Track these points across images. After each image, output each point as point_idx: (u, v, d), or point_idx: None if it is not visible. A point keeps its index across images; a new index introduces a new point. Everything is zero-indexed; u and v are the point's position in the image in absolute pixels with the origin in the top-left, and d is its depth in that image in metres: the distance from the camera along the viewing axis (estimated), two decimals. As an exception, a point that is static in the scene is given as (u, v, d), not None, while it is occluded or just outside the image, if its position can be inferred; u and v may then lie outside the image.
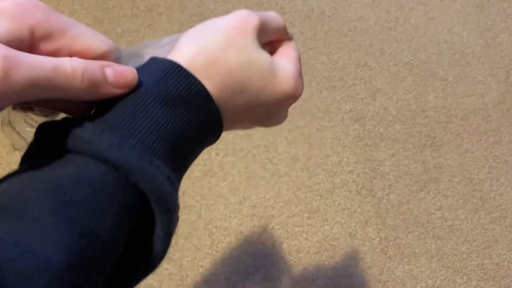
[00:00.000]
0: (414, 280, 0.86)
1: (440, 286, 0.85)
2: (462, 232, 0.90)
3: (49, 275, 0.21)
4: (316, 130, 0.99)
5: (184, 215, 0.90)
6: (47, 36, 0.27)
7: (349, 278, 0.86)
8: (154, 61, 0.29)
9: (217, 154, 0.96)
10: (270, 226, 0.89)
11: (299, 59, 0.35)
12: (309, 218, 0.90)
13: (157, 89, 0.27)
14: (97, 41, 0.28)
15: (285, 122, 1.02)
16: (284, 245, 0.88)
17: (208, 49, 0.30)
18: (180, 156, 0.29)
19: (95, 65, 0.26)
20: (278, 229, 0.89)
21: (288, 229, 0.89)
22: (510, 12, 1.14)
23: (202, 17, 1.13)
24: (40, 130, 0.26)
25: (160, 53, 0.30)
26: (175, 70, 0.28)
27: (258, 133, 0.98)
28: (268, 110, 0.34)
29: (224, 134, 0.98)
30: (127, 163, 0.24)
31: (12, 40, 0.24)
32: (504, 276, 0.86)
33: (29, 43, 0.26)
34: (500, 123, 1.01)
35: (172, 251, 0.87)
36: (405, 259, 0.87)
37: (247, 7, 1.14)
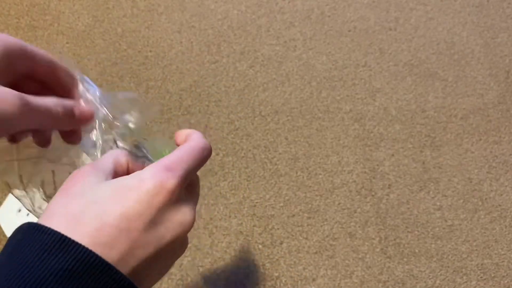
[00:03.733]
0: (414, 280, 0.86)
1: (440, 285, 0.85)
2: (462, 232, 0.90)
3: None
4: (316, 130, 0.99)
5: (184, 215, 0.90)
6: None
7: (349, 278, 0.86)
8: (38, 231, 0.25)
9: (217, 154, 0.96)
10: (270, 226, 0.89)
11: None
12: (309, 218, 0.90)
13: (39, 268, 0.23)
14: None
15: (285, 122, 1.02)
16: (284, 244, 0.88)
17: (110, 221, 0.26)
18: None
19: (68, 104, 0.32)
20: (278, 228, 0.89)
21: (288, 228, 0.89)
22: (509, 12, 1.14)
23: (202, 17, 1.13)
24: None
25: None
26: (61, 244, 0.24)
27: (258, 133, 0.99)
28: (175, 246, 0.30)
29: (224, 134, 0.98)
30: None
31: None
32: (504, 276, 0.87)
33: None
34: (500, 123, 1.01)
35: (172, 251, 0.87)
36: (405, 259, 0.87)
37: (247, 7, 1.14)
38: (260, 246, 0.88)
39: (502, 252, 0.88)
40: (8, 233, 0.86)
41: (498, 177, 0.95)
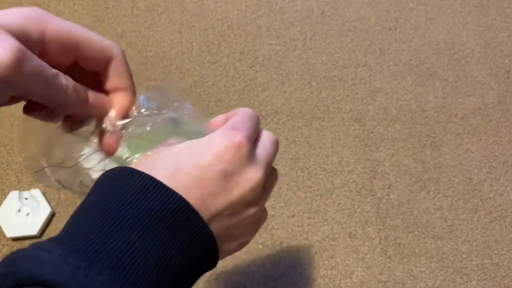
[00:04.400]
0: (414, 280, 0.86)
1: (440, 286, 0.85)
2: (462, 232, 0.90)
3: None
4: (316, 130, 0.99)
5: (184, 215, 0.90)
6: (56, 45, 0.29)
7: (349, 278, 0.86)
8: (131, 174, 0.27)
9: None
10: (270, 226, 0.89)
11: (273, 145, 0.34)
12: (309, 218, 0.90)
13: (133, 208, 0.25)
14: (101, 49, 0.31)
15: (285, 122, 1.02)
16: (284, 245, 0.88)
17: (194, 173, 0.28)
18: (164, 280, 0.25)
19: (81, 86, 0.30)
20: (278, 229, 0.89)
21: (288, 229, 0.89)
22: (510, 12, 1.14)
23: (202, 17, 1.13)
24: (8, 257, 0.24)
25: (159, 151, 0.30)
26: (154, 187, 0.26)
27: (258, 133, 0.99)
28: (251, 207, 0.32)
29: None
30: None
31: (22, 35, 0.26)
32: (504, 276, 0.87)
33: (38, 47, 0.28)
34: (500, 123, 1.01)
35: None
36: (405, 259, 0.87)
37: (247, 7, 1.14)
38: (260, 246, 0.88)
39: (502, 252, 0.88)
40: (8, 233, 0.86)
41: (499, 177, 0.95)
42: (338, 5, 1.14)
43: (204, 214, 0.27)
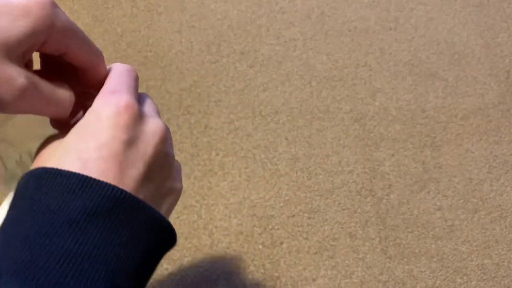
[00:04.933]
0: (414, 280, 0.86)
1: (440, 286, 0.85)
2: (462, 232, 0.90)
3: None
4: (316, 130, 0.99)
5: (184, 215, 0.90)
6: (57, 44, 0.28)
7: (349, 278, 0.86)
8: (55, 175, 0.24)
9: (217, 154, 0.96)
10: (270, 226, 0.89)
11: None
12: (309, 218, 0.90)
13: (65, 212, 0.23)
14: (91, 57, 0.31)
15: (285, 122, 1.02)
16: (284, 245, 0.88)
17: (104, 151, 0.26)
18: (119, 277, 0.24)
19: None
20: (278, 229, 0.89)
21: (288, 229, 0.89)
22: (510, 12, 1.14)
23: (202, 17, 1.13)
24: None
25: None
26: (83, 183, 0.24)
27: (258, 133, 0.99)
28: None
29: (224, 134, 0.98)
30: None
31: (24, 42, 0.25)
32: (504, 276, 0.87)
33: (38, 47, 0.27)
34: (500, 123, 1.01)
35: (172, 251, 0.87)
36: (405, 259, 0.87)
37: (247, 7, 1.14)
38: (260, 246, 0.88)
39: (503, 252, 0.88)
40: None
41: (499, 177, 0.95)
42: (338, 5, 1.14)
43: (132, 188, 0.26)
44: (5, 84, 0.24)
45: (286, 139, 0.98)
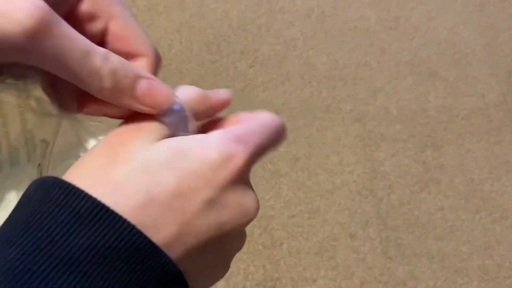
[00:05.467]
0: (415, 281, 0.86)
1: (441, 286, 0.85)
2: (463, 232, 0.90)
3: None
4: (316, 130, 0.99)
5: (183, 216, 0.91)
6: (89, 12, 0.23)
7: (350, 279, 0.86)
8: (68, 193, 0.19)
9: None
10: (270, 227, 0.89)
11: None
12: (309, 218, 0.90)
13: (64, 244, 0.18)
14: (140, 42, 0.24)
15: (286, 121, 1.02)
16: (284, 245, 0.88)
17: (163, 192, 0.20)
18: None
19: (129, 71, 0.22)
20: (278, 229, 0.89)
21: (288, 229, 0.89)
22: (511, 11, 1.15)
23: (201, 17, 1.13)
24: None
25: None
26: (97, 214, 0.18)
27: (258, 133, 0.99)
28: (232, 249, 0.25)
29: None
30: None
31: None
32: (505, 277, 0.87)
33: (66, 8, 0.22)
34: (501, 123, 1.01)
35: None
36: (406, 260, 0.87)
37: (247, 6, 1.14)
38: (260, 246, 0.88)
39: (504, 253, 0.88)
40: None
41: (500, 177, 0.95)
42: (339, 5, 1.14)
43: (177, 251, 0.20)
44: (12, 9, 0.18)
45: (286, 139, 0.98)
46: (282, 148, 0.97)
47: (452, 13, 1.14)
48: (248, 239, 0.95)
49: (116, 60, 0.21)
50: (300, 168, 0.95)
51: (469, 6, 1.15)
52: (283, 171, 0.94)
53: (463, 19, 1.13)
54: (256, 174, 0.94)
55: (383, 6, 1.14)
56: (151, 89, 0.23)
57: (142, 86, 0.22)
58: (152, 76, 0.23)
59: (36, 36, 0.18)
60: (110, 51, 0.21)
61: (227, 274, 0.80)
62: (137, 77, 0.22)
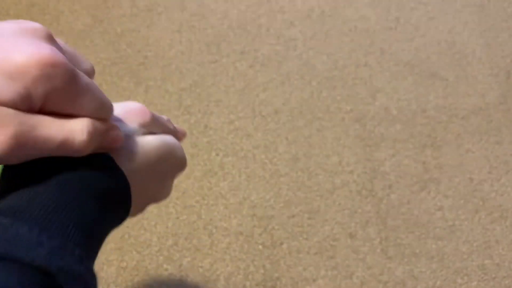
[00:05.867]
0: (415, 281, 0.86)
1: (441, 286, 0.85)
2: (463, 232, 0.90)
3: None
4: (316, 130, 0.99)
5: (184, 216, 0.90)
6: (58, 104, 0.26)
7: (350, 279, 0.86)
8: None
9: (217, 154, 0.96)
10: (270, 227, 0.89)
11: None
12: (309, 218, 0.90)
13: (83, 184, 0.26)
14: (96, 105, 0.27)
15: (285, 122, 1.02)
16: (284, 245, 0.88)
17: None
18: (97, 245, 0.27)
19: (100, 131, 0.27)
20: (278, 229, 0.89)
21: (288, 229, 0.89)
22: (511, 12, 1.14)
23: (201, 17, 1.13)
24: None
25: None
26: (104, 166, 0.27)
27: (258, 133, 0.99)
28: (163, 183, 0.35)
29: (224, 134, 0.98)
30: (65, 270, 0.23)
31: (19, 105, 0.23)
32: (504, 277, 0.87)
33: (37, 109, 0.25)
34: (501, 123, 1.01)
35: (172, 252, 0.87)
36: (406, 260, 0.87)
37: (247, 6, 1.14)
38: (260, 246, 0.88)
39: (503, 253, 0.88)
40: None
41: (499, 177, 0.95)
42: (339, 5, 1.14)
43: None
44: None
45: (286, 139, 0.98)
46: (282, 148, 0.97)
47: (452, 14, 1.14)
48: (248, 239, 0.96)
49: (91, 129, 0.26)
50: (300, 168, 0.95)
51: (469, 6, 1.15)
52: (283, 171, 0.94)
53: (463, 20, 1.13)
54: (256, 174, 0.94)
55: (383, 6, 1.14)
56: (114, 138, 0.29)
57: (111, 136, 0.28)
58: (113, 125, 0.29)
59: (12, 154, 0.23)
60: (87, 122, 0.26)
61: (227, 273, 0.79)
62: (108, 133, 0.28)
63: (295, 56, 1.07)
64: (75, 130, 0.25)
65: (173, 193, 0.92)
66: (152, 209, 0.91)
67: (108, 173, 0.28)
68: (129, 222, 0.90)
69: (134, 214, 0.33)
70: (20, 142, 0.23)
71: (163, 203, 0.91)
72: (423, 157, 0.96)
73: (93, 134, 0.26)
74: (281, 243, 0.88)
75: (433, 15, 1.13)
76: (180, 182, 0.93)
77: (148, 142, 0.32)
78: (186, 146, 0.96)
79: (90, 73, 0.30)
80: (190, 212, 0.91)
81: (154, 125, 0.33)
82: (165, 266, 0.86)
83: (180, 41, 1.09)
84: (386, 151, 0.97)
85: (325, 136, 0.98)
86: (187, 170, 0.94)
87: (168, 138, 0.33)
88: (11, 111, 0.23)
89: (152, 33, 1.11)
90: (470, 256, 0.88)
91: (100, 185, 0.27)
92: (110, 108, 0.28)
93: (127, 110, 0.32)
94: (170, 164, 0.34)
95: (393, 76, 1.05)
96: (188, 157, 0.95)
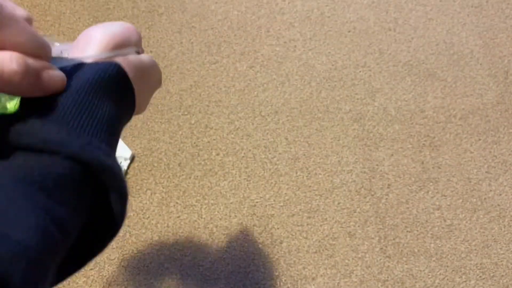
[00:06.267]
0: (413, 279, 0.86)
1: (439, 285, 0.86)
2: (461, 231, 0.90)
3: (27, 260, 0.22)
4: (315, 130, 0.99)
5: (184, 215, 0.91)
6: None
7: (349, 277, 0.86)
8: (99, 63, 0.31)
9: (217, 154, 0.96)
10: (270, 226, 0.90)
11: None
12: (308, 217, 0.91)
13: (98, 85, 0.30)
14: (26, 39, 0.26)
15: (285, 122, 1.03)
16: (284, 244, 0.88)
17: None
18: (115, 140, 0.32)
19: (34, 67, 0.26)
20: (278, 228, 0.89)
21: (288, 228, 0.89)
22: (509, 12, 1.15)
23: (202, 18, 1.13)
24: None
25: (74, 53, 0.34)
26: (117, 72, 0.31)
27: (258, 133, 0.99)
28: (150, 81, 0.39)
29: (224, 134, 0.99)
30: (96, 162, 0.26)
31: None
32: (502, 275, 0.87)
33: None
34: (498, 123, 1.01)
35: (173, 251, 0.88)
36: (404, 258, 0.87)
37: (247, 8, 1.14)
38: (260, 245, 0.88)
39: (501, 252, 0.88)
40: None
41: (497, 177, 0.95)
42: (338, 6, 1.15)
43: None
44: None
45: (286, 139, 0.98)
46: (282, 148, 0.97)
47: (450, 14, 1.14)
48: (248, 237, 0.96)
49: (20, 60, 0.25)
50: (299, 167, 0.95)
51: (467, 7, 1.15)
52: (283, 171, 0.95)
53: (461, 20, 1.13)
54: (256, 174, 0.94)
55: (382, 7, 1.15)
56: (51, 77, 0.28)
57: (45, 77, 0.27)
58: (47, 64, 0.28)
59: None
60: (16, 54, 0.25)
61: (227, 273, 0.80)
62: (40, 71, 0.27)
63: (295, 56, 1.08)
64: (3, 58, 0.24)
65: (174, 193, 0.93)
66: (153, 208, 0.91)
67: (118, 77, 0.32)
68: (130, 222, 0.91)
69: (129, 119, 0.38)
70: None
71: (164, 202, 0.92)
72: (421, 157, 0.97)
73: (24, 66, 0.24)
74: (281, 242, 0.88)
75: (431, 16, 1.14)
76: (181, 181, 0.94)
77: (144, 59, 0.37)
78: (187, 146, 0.96)
79: (27, 19, 0.29)
80: (190, 211, 0.91)
81: (140, 43, 0.39)
82: (166, 265, 0.87)
83: (180, 42, 1.10)
84: (385, 151, 0.97)
85: (324, 136, 0.98)
86: (187, 169, 0.95)
87: (153, 59, 0.39)
88: None
89: (153, 34, 1.11)
90: (468, 255, 0.88)
91: (114, 86, 0.31)
92: (45, 47, 0.27)
93: (125, 27, 0.37)
94: (155, 80, 0.40)
95: (392, 76, 1.06)
96: (188, 156, 0.96)
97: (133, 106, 0.35)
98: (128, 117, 0.35)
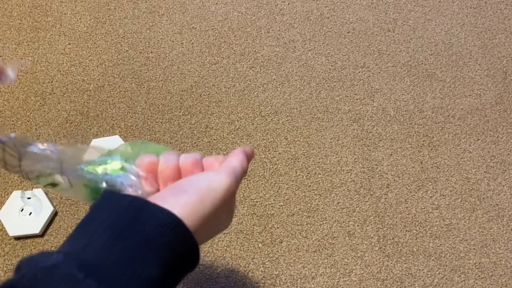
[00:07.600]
0: (412, 279, 0.86)
1: (438, 284, 0.86)
2: (460, 231, 0.90)
3: None
4: (315, 130, 0.99)
5: (185, 214, 0.91)
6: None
7: (348, 276, 0.86)
8: (156, 209, 0.31)
9: (218, 154, 0.96)
10: (270, 225, 0.90)
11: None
12: (308, 217, 0.91)
13: (157, 245, 0.30)
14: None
15: (285, 122, 1.04)
16: (284, 243, 0.88)
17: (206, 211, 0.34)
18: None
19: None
20: (278, 227, 0.90)
21: (287, 227, 0.90)
22: (507, 13, 1.15)
23: (202, 19, 1.13)
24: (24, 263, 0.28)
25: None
26: (178, 227, 0.31)
27: (258, 133, 0.99)
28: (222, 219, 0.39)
29: (224, 134, 1.00)
30: None
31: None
32: (501, 275, 0.87)
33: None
34: (497, 123, 1.01)
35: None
36: (403, 258, 0.88)
37: (247, 9, 1.15)
38: (260, 244, 0.88)
39: (500, 251, 0.89)
40: (11, 232, 0.87)
41: (496, 176, 0.95)
42: (337, 7, 1.15)
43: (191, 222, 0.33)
44: None
45: (286, 139, 0.98)
46: (281, 148, 0.97)
47: (449, 15, 1.14)
48: (247, 237, 0.96)
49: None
50: (299, 167, 0.95)
51: (465, 8, 1.15)
52: (282, 171, 0.95)
53: (460, 21, 1.13)
54: (256, 173, 0.95)
55: (381, 8, 1.15)
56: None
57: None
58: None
59: None
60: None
61: (227, 272, 0.81)
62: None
63: (295, 57, 1.08)
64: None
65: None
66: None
67: (178, 238, 0.31)
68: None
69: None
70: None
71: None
72: (420, 156, 0.97)
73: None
74: (281, 241, 0.89)
75: (430, 16, 1.14)
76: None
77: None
78: (187, 146, 0.97)
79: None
80: (191, 211, 0.91)
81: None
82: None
83: (181, 43, 1.10)
84: (384, 151, 0.97)
85: (324, 136, 0.99)
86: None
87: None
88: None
89: (153, 34, 1.11)
90: (467, 255, 0.88)
91: (169, 248, 0.30)
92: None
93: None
94: (229, 202, 0.39)
95: (391, 77, 1.06)
96: (189, 157, 0.96)
97: (194, 264, 0.34)
98: (185, 273, 0.34)
